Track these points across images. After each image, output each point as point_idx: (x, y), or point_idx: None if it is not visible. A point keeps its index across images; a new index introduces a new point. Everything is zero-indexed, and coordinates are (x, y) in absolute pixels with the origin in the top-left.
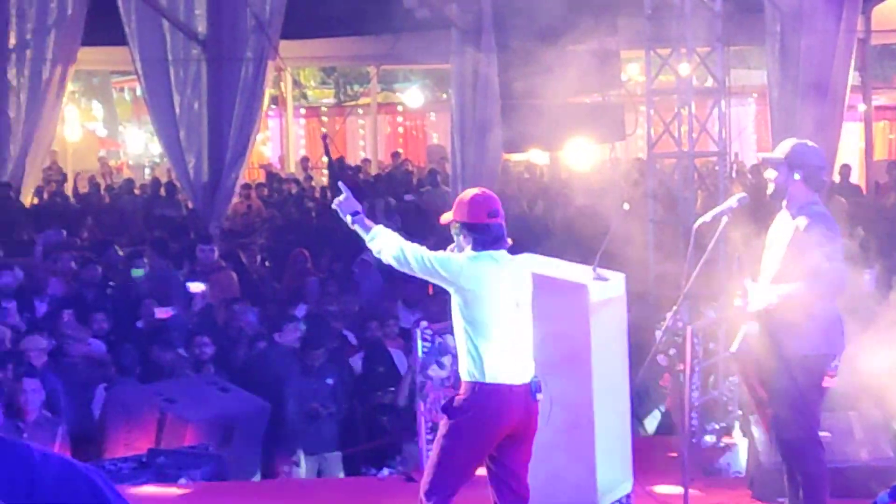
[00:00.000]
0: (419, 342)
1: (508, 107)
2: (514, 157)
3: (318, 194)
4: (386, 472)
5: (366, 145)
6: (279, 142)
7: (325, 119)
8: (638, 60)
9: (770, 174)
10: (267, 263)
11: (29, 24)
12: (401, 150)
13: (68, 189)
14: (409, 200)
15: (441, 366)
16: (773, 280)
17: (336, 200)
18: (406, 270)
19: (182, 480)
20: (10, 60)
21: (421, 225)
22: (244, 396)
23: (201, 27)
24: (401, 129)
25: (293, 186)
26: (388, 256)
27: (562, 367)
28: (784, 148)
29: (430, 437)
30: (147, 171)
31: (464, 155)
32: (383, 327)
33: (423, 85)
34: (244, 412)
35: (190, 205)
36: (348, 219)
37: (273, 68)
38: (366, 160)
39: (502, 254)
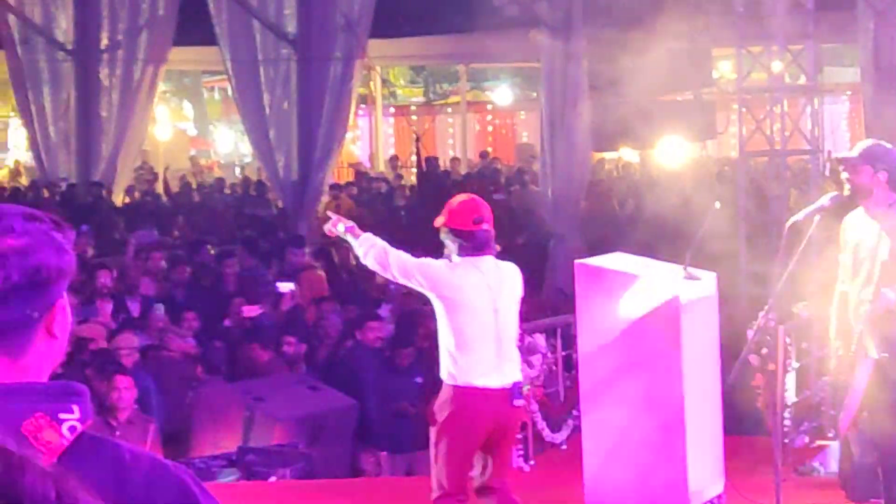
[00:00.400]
0: None
1: (599, 105)
2: (605, 155)
3: (407, 193)
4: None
5: (455, 144)
6: (368, 141)
7: (414, 118)
8: (729, 58)
9: (849, 174)
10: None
11: (121, 25)
12: (490, 149)
13: (159, 188)
14: (497, 199)
15: (530, 365)
16: (882, 283)
17: (325, 227)
18: (388, 276)
19: (272, 478)
20: (103, 61)
21: (510, 224)
22: (333, 395)
23: (291, 27)
24: (490, 128)
25: (382, 185)
26: (371, 262)
27: (652, 367)
28: (866, 148)
29: (518, 435)
30: (237, 170)
31: (553, 154)
32: None
33: (513, 83)
34: (333, 410)
35: (280, 204)
36: (340, 228)
37: (362, 67)
38: (455, 159)
39: (486, 260)
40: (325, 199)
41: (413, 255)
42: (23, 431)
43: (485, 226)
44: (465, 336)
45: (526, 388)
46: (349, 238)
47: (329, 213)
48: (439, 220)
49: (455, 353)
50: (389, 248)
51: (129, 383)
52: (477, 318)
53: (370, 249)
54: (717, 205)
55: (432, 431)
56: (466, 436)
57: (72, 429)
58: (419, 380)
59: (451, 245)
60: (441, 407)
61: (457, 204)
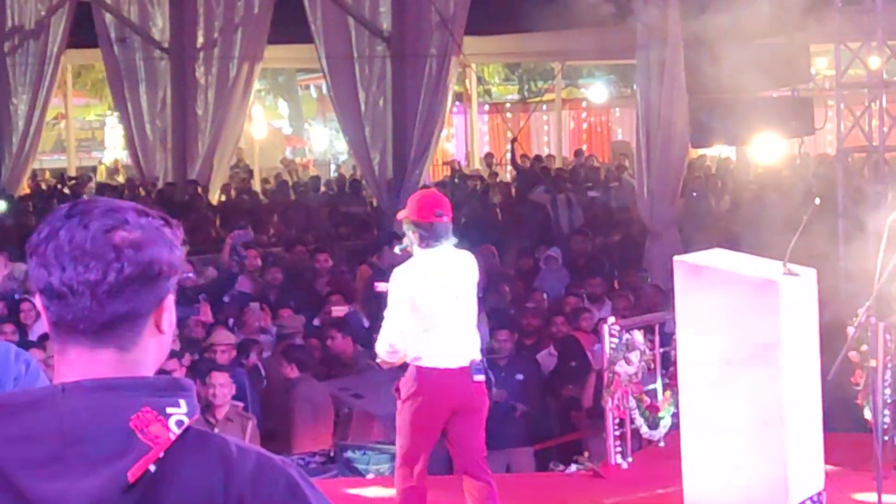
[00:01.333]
0: (607, 338)
1: (695, 101)
2: (701, 152)
3: (502, 190)
4: (574, 468)
5: (549, 141)
6: (463, 138)
7: (508, 115)
8: (827, 54)
9: None
10: None
11: (217, 23)
12: (584, 147)
13: (255, 186)
14: (593, 196)
15: (629, 362)
16: None
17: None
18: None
19: (370, 475)
20: (199, 59)
21: (605, 220)
22: None
23: (386, 24)
24: (585, 125)
25: (478, 183)
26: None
27: (752, 364)
28: None
29: (617, 432)
30: (332, 168)
31: (649, 150)
32: (576, 321)
33: (608, 80)
34: None
35: (375, 202)
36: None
37: (457, 65)
38: (550, 156)
39: (444, 249)
40: None
41: (506, 248)
42: (131, 426)
43: (444, 218)
44: (427, 321)
45: (626, 383)
46: None
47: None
48: (402, 214)
49: (418, 336)
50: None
51: (225, 380)
52: (438, 303)
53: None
54: (817, 201)
55: (398, 406)
56: (427, 413)
57: (179, 423)
58: (520, 377)
59: (411, 236)
60: (405, 384)
61: (419, 198)
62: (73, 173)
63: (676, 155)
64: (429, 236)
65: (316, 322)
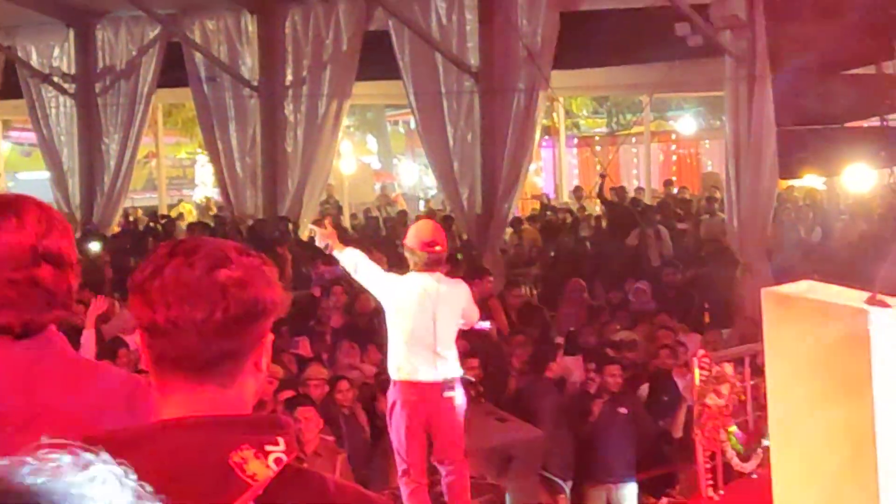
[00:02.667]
0: (696, 371)
1: (784, 132)
2: (790, 183)
3: (592, 223)
4: (664, 501)
5: (639, 173)
6: (552, 171)
7: (597, 148)
8: None
9: None
10: (535, 292)
11: (305, 61)
12: (674, 178)
13: (345, 222)
14: (682, 229)
15: (719, 394)
16: None
17: (316, 240)
18: (360, 281)
19: None
20: (287, 97)
21: (696, 253)
22: (521, 426)
23: (473, 59)
24: (674, 157)
25: (567, 216)
26: (348, 266)
27: (843, 395)
28: None
29: (708, 465)
30: (421, 202)
31: (739, 182)
32: (673, 355)
33: (697, 112)
34: (522, 442)
35: (464, 236)
36: (324, 248)
37: (545, 98)
38: (639, 188)
39: (432, 275)
40: (509, 230)
41: (596, 282)
42: (230, 463)
43: (437, 248)
44: (402, 337)
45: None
46: (335, 253)
47: (312, 227)
48: (405, 239)
49: (395, 352)
50: (362, 260)
51: (312, 414)
52: (413, 321)
53: (347, 258)
54: None
55: (389, 423)
56: (407, 422)
57: (277, 460)
58: (624, 410)
59: (408, 258)
60: (388, 398)
61: (415, 227)
62: (164, 211)
63: (766, 186)
64: (420, 262)
65: None
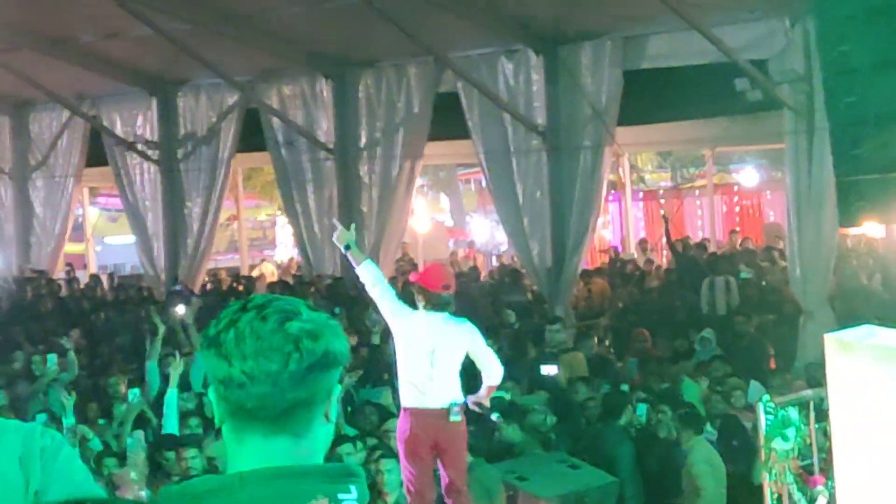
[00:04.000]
0: (762, 415)
1: (842, 182)
2: (851, 231)
3: (658, 275)
4: None
5: (703, 225)
6: (619, 225)
7: (662, 201)
8: None
9: None
10: (608, 343)
11: (378, 124)
12: (737, 229)
13: None
14: (745, 278)
15: (784, 438)
16: None
17: (334, 236)
18: (373, 297)
19: None
20: (362, 158)
21: (760, 301)
22: (594, 473)
23: (540, 118)
24: (737, 208)
25: (633, 267)
26: (364, 280)
27: None
28: None
29: None
30: (493, 258)
31: (800, 231)
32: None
33: (759, 165)
34: (595, 488)
35: (535, 289)
36: (343, 248)
37: (611, 154)
38: (705, 239)
39: (439, 315)
40: (579, 283)
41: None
42: None
43: (449, 290)
44: (406, 367)
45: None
46: (349, 256)
47: (335, 223)
48: (413, 276)
49: (402, 381)
50: (379, 282)
51: (393, 466)
52: (415, 355)
53: (365, 276)
54: None
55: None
56: (413, 446)
57: None
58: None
59: (417, 296)
60: (398, 426)
61: (427, 269)
62: (245, 272)
63: (827, 235)
64: (430, 303)
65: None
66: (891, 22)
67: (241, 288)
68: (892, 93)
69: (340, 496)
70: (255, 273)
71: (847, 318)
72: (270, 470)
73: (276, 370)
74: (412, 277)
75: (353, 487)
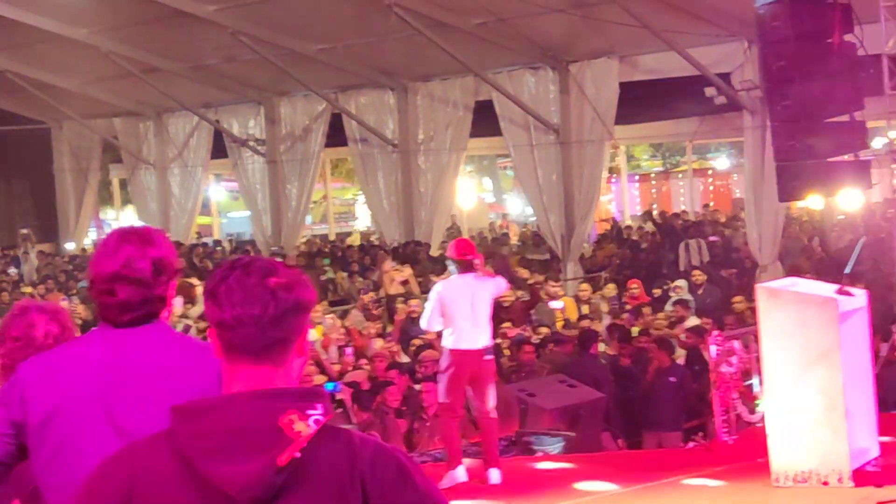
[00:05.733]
0: (712, 347)
1: (783, 166)
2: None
3: (648, 239)
4: (691, 444)
5: (686, 201)
6: (618, 200)
7: (653, 182)
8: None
9: None
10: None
11: (431, 125)
12: (711, 203)
13: None
14: (713, 241)
15: (728, 364)
16: None
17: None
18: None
19: (539, 453)
20: (420, 151)
21: (725, 257)
22: (586, 390)
23: (555, 119)
24: (711, 188)
25: (630, 233)
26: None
27: (818, 363)
28: None
29: (723, 417)
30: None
31: (756, 204)
32: (699, 336)
33: (729, 153)
34: (587, 402)
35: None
36: None
37: (609, 147)
38: (683, 211)
39: (468, 276)
40: (586, 245)
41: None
42: (280, 424)
43: (469, 257)
44: (453, 320)
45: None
46: None
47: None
48: (446, 251)
49: (448, 330)
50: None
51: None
52: (459, 309)
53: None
54: (862, 240)
55: (438, 377)
56: (455, 377)
57: (316, 421)
58: (673, 379)
59: (450, 266)
60: (443, 361)
61: (456, 244)
62: (332, 238)
63: (777, 207)
64: (458, 268)
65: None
66: (816, 44)
67: (326, 249)
68: (816, 98)
69: (308, 411)
70: (350, 241)
71: (792, 271)
72: (253, 392)
73: (258, 314)
74: (446, 253)
75: (319, 405)
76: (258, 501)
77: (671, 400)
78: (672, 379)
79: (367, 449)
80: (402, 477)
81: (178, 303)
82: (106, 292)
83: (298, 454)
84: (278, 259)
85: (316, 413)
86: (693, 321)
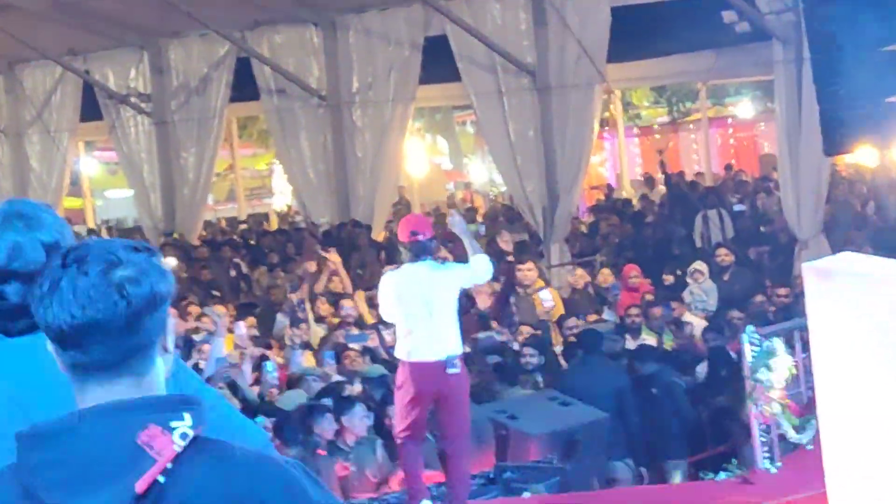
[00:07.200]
0: (747, 346)
1: (828, 110)
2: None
3: (655, 209)
4: (723, 475)
5: (699, 159)
6: (613, 162)
7: (657, 137)
8: None
9: None
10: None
11: (369, 69)
12: (733, 162)
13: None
14: (738, 211)
15: (769, 368)
16: None
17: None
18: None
19: (526, 494)
20: (354, 104)
21: (754, 231)
22: (584, 410)
23: (530, 57)
24: (732, 140)
25: (628, 204)
26: None
27: (886, 362)
28: None
29: (763, 438)
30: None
31: (792, 161)
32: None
33: (753, 96)
34: (585, 424)
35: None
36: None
37: (601, 92)
38: (699, 173)
39: (421, 264)
40: (578, 218)
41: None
42: (139, 442)
43: (420, 237)
44: (406, 323)
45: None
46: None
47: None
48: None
49: (402, 337)
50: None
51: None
52: (411, 309)
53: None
54: None
55: (395, 395)
56: (411, 399)
57: (183, 435)
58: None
59: (401, 252)
60: (397, 377)
61: (401, 221)
62: (243, 218)
63: (819, 163)
64: (410, 253)
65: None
66: None
67: (235, 237)
68: (867, 21)
69: (172, 423)
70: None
71: (841, 247)
72: (105, 406)
73: (105, 320)
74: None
75: (185, 414)
76: None
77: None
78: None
79: (246, 462)
80: (291, 494)
81: None
82: None
83: (163, 478)
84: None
85: (183, 425)
86: (694, 319)
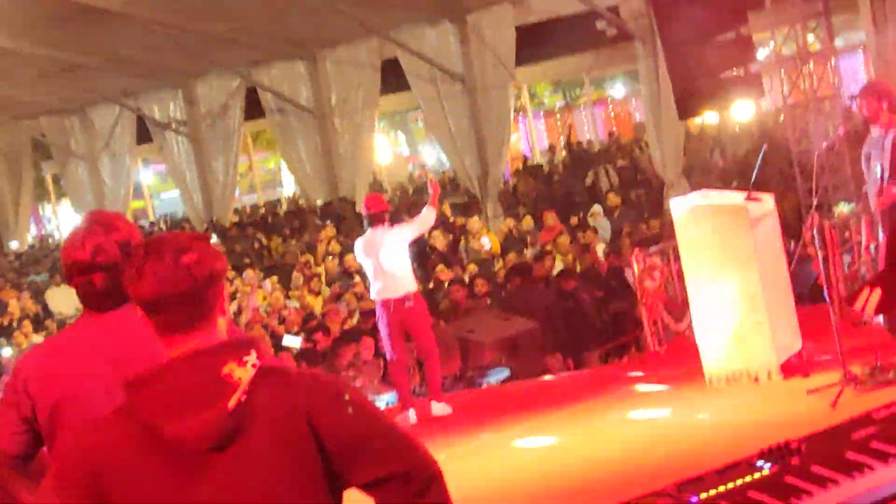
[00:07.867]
0: (634, 264)
1: (679, 86)
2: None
3: (560, 170)
4: (626, 359)
5: (589, 130)
6: (526, 138)
7: (557, 117)
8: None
9: (862, 105)
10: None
11: (343, 87)
12: (614, 130)
13: (386, 196)
14: (620, 166)
15: (651, 278)
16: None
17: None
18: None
19: (484, 385)
20: (335, 114)
21: (633, 179)
22: (520, 321)
23: (459, 69)
24: (612, 115)
25: (542, 168)
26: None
27: (737, 266)
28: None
29: (652, 329)
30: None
31: (656, 126)
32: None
33: (625, 82)
34: (524, 331)
35: (470, 191)
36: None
37: (514, 88)
38: (590, 141)
39: (378, 229)
40: (504, 182)
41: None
42: (222, 375)
43: (373, 211)
44: (370, 273)
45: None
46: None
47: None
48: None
49: (371, 282)
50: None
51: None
52: (373, 263)
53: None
54: (764, 146)
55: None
56: (387, 328)
57: (253, 365)
58: (586, 297)
59: (364, 222)
60: (376, 312)
61: (364, 200)
62: (261, 205)
63: (675, 126)
64: (369, 222)
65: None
66: None
67: (257, 219)
68: (702, 18)
69: (245, 358)
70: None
71: (698, 185)
72: (192, 353)
73: (179, 293)
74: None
75: (252, 351)
76: (217, 447)
77: (594, 319)
78: (585, 296)
79: (303, 380)
80: (342, 401)
81: None
82: (84, 283)
83: (244, 398)
84: (190, 233)
85: (251, 359)
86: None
